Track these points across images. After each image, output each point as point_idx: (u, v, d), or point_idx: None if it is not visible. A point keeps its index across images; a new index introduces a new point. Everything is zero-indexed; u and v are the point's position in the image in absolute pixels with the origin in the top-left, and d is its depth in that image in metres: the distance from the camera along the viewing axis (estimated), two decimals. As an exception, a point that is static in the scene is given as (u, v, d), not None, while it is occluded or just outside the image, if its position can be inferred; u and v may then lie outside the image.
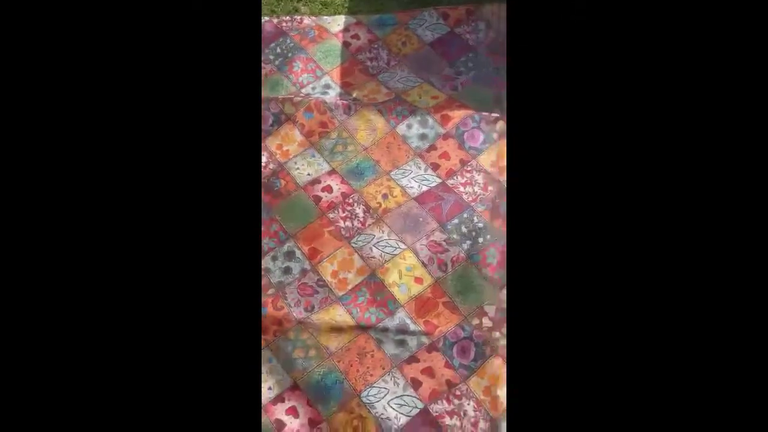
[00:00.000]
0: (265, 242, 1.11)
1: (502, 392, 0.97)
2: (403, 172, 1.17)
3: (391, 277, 1.06)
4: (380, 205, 1.13)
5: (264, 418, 0.96)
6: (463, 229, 1.10)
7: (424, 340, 1.01)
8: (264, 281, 1.08)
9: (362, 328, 1.03)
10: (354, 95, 1.27)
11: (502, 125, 1.20)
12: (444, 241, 1.09)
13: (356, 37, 1.35)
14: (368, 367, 1.00)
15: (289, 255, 1.09)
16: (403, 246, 1.08)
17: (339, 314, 1.02)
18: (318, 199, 1.14)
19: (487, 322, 1.02)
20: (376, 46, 1.33)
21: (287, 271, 1.08)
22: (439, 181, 1.15)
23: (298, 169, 1.18)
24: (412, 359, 1.00)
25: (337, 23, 1.37)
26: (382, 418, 0.96)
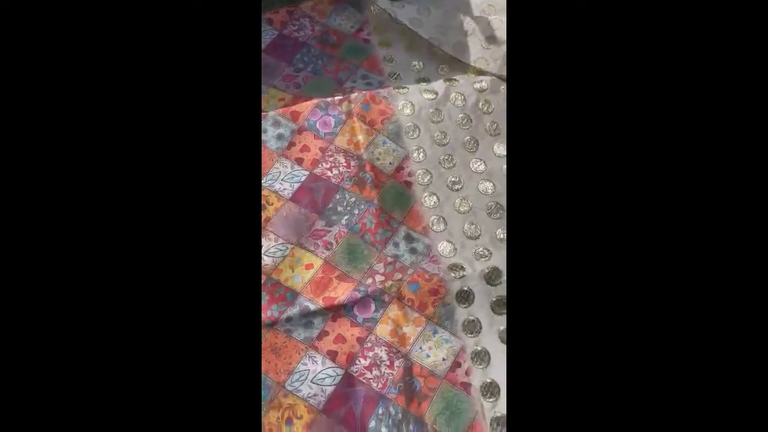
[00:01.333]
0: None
1: (407, 329, 1.07)
2: (273, 177, 1.21)
3: (285, 274, 1.11)
4: (261, 216, 1.17)
5: None
6: (339, 209, 1.18)
7: (327, 313, 1.08)
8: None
9: (268, 326, 1.06)
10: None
11: (347, 105, 1.29)
12: (325, 225, 1.16)
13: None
14: (285, 358, 1.04)
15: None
16: (290, 245, 1.14)
17: None
18: None
19: (379, 278, 1.11)
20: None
21: None
22: (307, 173, 1.22)
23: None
24: (323, 334, 1.06)
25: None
26: (309, 397, 1.01)
